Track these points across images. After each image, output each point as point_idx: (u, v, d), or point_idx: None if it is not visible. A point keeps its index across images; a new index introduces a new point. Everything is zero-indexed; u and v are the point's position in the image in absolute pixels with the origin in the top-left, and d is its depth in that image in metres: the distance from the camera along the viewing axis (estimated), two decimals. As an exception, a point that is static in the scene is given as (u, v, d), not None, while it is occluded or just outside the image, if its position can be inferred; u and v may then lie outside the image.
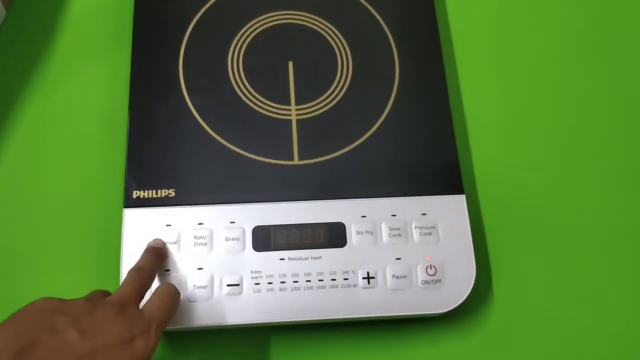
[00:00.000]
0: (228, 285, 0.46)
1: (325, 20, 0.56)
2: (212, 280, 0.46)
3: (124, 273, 0.46)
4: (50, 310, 0.38)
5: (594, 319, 0.50)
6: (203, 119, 0.52)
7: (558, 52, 0.59)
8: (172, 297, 0.43)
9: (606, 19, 0.61)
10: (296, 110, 0.53)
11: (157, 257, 0.46)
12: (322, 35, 0.56)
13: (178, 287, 0.45)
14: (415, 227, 0.49)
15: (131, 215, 0.48)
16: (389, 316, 0.47)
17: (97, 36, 0.57)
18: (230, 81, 0.53)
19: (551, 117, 0.56)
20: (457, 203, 0.50)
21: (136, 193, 0.49)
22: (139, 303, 0.41)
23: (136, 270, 0.43)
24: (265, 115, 0.52)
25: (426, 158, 0.51)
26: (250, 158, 0.50)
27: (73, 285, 0.48)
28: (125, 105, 0.52)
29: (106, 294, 0.42)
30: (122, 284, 0.42)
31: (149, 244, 0.47)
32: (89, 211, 0.50)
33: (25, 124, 0.53)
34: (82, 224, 0.50)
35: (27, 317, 0.37)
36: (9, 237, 0.50)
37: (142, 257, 0.45)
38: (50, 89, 0.54)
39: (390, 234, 0.48)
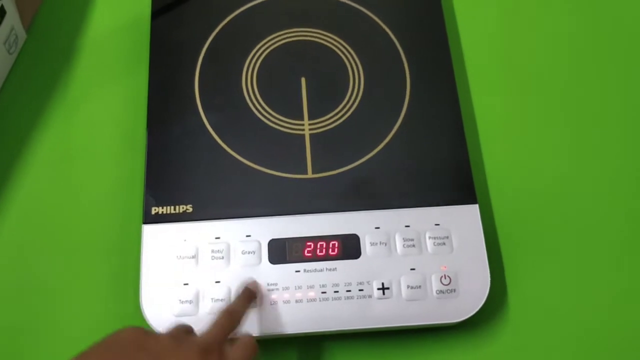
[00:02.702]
0: (245, 298, 0.47)
1: (336, 36, 0.57)
2: (229, 294, 0.47)
3: (143, 288, 0.47)
4: (134, 344, 0.38)
5: (611, 327, 0.49)
6: (219, 136, 0.53)
7: (570, 60, 0.59)
8: (254, 352, 0.42)
9: (618, 21, 0.61)
10: (309, 125, 0.54)
11: (249, 301, 0.46)
12: (334, 50, 0.57)
13: (196, 301, 0.47)
14: (429, 238, 0.49)
15: (150, 231, 0.49)
16: (404, 326, 0.47)
17: (115, 58, 0.58)
18: (244, 98, 0.55)
19: (565, 125, 0.56)
20: (470, 213, 0.50)
21: (155, 209, 0.50)
22: (222, 346, 0.41)
23: (228, 313, 0.43)
24: (279, 130, 0.53)
25: (439, 169, 0.52)
26: (265, 172, 0.51)
27: (93, 301, 0.49)
28: (144, 124, 0.53)
29: (190, 329, 0.43)
30: (212, 325, 0.42)
31: (244, 284, 0.47)
32: (109, 228, 0.52)
33: (46, 144, 0.55)
34: (103, 240, 0.51)
35: (112, 349, 0.38)
36: (28, 253, 0.51)
37: (235, 300, 0.45)
38: (69, 109, 0.56)
39: (404, 244, 0.49)
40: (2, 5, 0.53)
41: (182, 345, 0.39)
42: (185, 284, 0.47)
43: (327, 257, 0.48)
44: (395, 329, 0.47)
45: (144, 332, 0.39)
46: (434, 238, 0.49)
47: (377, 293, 0.47)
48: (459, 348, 0.48)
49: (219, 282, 0.48)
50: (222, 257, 0.48)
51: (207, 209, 0.50)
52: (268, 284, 0.47)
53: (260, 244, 0.49)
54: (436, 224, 0.50)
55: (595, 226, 0.53)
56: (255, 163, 0.52)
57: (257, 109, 0.54)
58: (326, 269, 0.48)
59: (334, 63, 0.56)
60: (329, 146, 0.53)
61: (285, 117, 0.54)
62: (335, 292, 0.47)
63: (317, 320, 0.47)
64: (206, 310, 0.47)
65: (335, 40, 0.57)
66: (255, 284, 0.47)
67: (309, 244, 0.49)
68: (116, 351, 0.38)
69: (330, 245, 0.49)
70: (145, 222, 0.49)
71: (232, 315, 0.43)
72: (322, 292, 0.47)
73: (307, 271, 0.48)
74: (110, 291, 0.50)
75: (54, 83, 0.57)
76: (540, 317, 0.50)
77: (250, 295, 0.46)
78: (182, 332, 0.41)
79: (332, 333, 0.47)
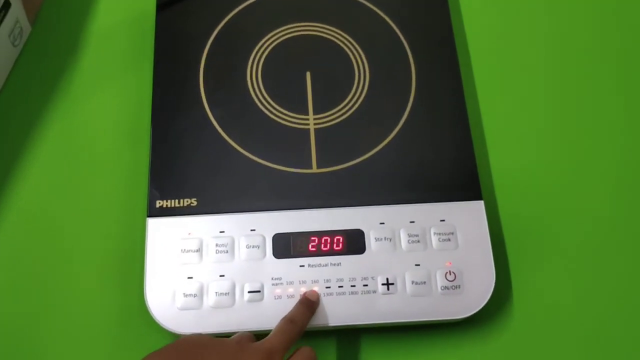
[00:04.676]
0: (249, 292, 0.47)
1: (342, 30, 0.57)
2: (233, 288, 0.47)
3: (148, 282, 0.47)
4: (201, 344, 0.40)
5: (614, 324, 0.49)
6: (223, 130, 0.53)
7: (576, 57, 0.59)
8: None
9: (624, 22, 0.61)
10: (314, 119, 0.53)
11: (310, 311, 0.46)
12: (339, 45, 0.57)
13: (200, 295, 0.47)
14: (434, 234, 0.49)
15: (154, 225, 0.49)
16: (409, 322, 0.47)
17: (120, 51, 0.58)
18: (249, 92, 0.54)
19: (570, 122, 0.56)
20: (475, 209, 0.50)
21: (159, 203, 0.50)
22: (285, 354, 0.41)
23: (289, 321, 0.44)
24: (284, 124, 0.53)
25: (444, 164, 0.52)
26: (270, 167, 0.51)
27: (98, 294, 0.49)
28: (148, 118, 0.53)
29: (252, 337, 0.43)
30: (274, 332, 0.43)
31: (304, 294, 0.47)
32: (113, 221, 0.52)
33: (50, 137, 0.55)
34: (107, 233, 0.51)
35: (180, 347, 0.40)
36: (33, 247, 0.51)
37: (296, 308, 0.46)
38: (74, 102, 0.56)
39: (409, 240, 0.49)
40: (7, -3, 0.53)
41: (248, 349, 0.40)
42: (189, 278, 0.47)
43: (331, 252, 0.48)
44: (399, 325, 0.47)
45: (210, 337, 0.42)
46: (439, 234, 0.49)
47: (381, 288, 0.47)
48: (464, 344, 0.48)
49: (223, 276, 0.47)
50: (227, 251, 0.48)
51: (211, 203, 0.50)
52: (272, 279, 0.47)
53: (264, 238, 0.49)
54: (441, 220, 0.49)
55: (600, 223, 0.52)
56: (260, 157, 0.52)
57: (262, 103, 0.54)
58: (330, 264, 0.48)
59: (340, 58, 0.56)
60: (334, 141, 0.53)
61: (290, 111, 0.54)
62: (339, 287, 0.47)
63: (321, 315, 0.47)
64: (210, 304, 0.46)
65: (340, 35, 0.57)
66: (314, 293, 0.47)
67: (313, 238, 0.49)
68: (186, 348, 0.40)
69: (335, 240, 0.49)
70: (150, 216, 0.49)
71: (293, 323, 0.44)
72: (327, 287, 0.47)
73: (312, 266, 0.48)
74: (114, 284, 0.50)
75: (58, 76, 0.57)
76: (545, 314, 0.49)
77: (309, 304, 0.46)
78: (245, 338, 0.42)
79: (335, 328, 0.47)
